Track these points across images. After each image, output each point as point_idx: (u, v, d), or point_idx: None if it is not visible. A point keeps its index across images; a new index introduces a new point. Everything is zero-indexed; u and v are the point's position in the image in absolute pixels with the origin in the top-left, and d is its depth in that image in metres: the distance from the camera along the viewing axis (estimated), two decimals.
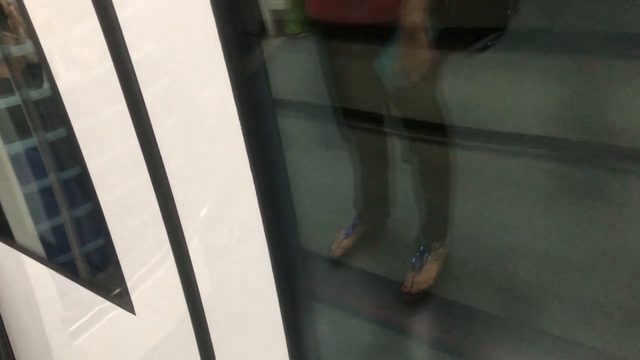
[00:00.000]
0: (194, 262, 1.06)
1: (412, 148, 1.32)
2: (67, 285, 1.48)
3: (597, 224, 1.11)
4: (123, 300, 1.28)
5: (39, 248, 1.63)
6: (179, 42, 0.84)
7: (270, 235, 0.89)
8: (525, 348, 1.10)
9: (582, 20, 0.93)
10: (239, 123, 0.81)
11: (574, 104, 1.08)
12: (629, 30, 0.89)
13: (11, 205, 1.71)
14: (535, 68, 1.06)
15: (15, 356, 1.93)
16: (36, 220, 1.70)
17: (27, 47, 1.38)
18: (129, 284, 1.25)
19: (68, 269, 1.51)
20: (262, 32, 1.07)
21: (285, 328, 0.96)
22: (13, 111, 1.62)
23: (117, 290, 1.31)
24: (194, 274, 1.07)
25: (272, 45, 1.10)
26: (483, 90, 1.14)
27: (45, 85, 1.25)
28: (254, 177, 0.85)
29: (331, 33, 1.27)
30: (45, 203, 1.68)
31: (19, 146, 1.64)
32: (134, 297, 1.26)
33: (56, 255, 1.60)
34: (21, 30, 1.34)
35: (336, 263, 1.42)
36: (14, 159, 1.66)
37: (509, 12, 1.02)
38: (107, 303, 1.37)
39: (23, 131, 1.61)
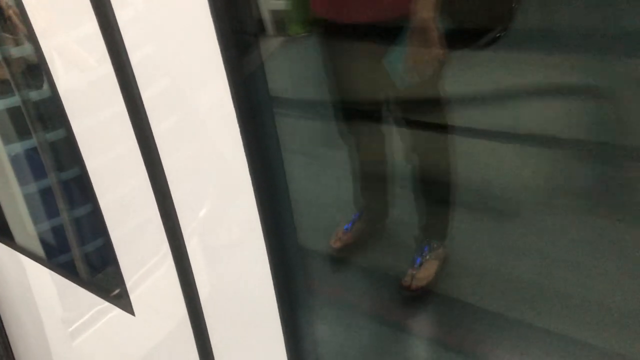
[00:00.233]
0: (192, 262, 1.06)
1: (415, 147, 1.32)
2: (66, 285, 1.48)
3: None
4: (122, 300, 1.29)
5: (38, 249, 1.64)
6: (178, 44, 0.84)
7: (269, 235, 0.90)
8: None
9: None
10: (237, 124, 0.82)
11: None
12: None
13: (11, 206, 1.71)
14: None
15: (15, 357, 1.93)
16: (36, 221, 1.70)
17: (27, 49, 1.39)
18: (128, 284, 1.25)
19: (67, 270, 1.51)
20: (261, 32, 1.07)
21: (283, 327, 0.96)
22: (13, 112, 1.62)
23: (117, 291, 1.31)
24: (192, 274, 1.07)
25: (271, 46, 1.11)
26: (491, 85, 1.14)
27: (45, 86, 1.25)
28: (252, 178, 0.85)
29: (338, 32, 1.27)
30: (45, 204, 1.68)
31: (18, 147, 1.64)
32: (133, 297, 1.27)
33: (55, 255, 1.60)
34: (21, 32, 1.34)
35: (334, 261, 1.43)
36: (14, 159, 1.67)
37: (513, 5, 1.03)
38: (106, 304, 1.37)
39: (23, 132, 1.61)
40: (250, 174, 0.85)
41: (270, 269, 0.92)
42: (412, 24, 1.10)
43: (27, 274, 1.63)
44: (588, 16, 0.93)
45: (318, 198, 1.34)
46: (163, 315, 1.24)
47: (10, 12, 1.27)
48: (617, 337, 1.02)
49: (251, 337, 1.07)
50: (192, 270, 1.07)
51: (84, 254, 1.54)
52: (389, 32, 1.15)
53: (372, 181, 1.46)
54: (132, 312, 1.29)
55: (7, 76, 1.55)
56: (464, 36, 1.07)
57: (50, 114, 1.47)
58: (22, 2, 1.01)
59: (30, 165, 1.66)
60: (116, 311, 1.34)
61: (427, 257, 1.36)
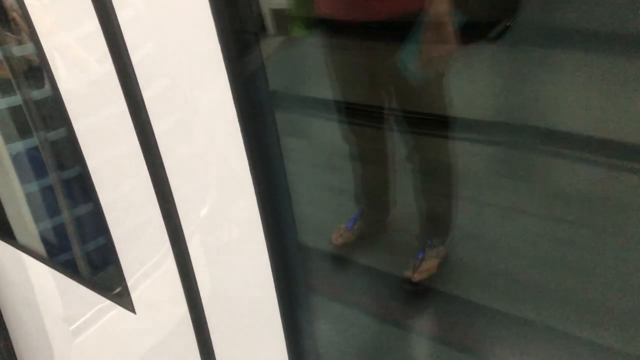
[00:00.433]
0: (193, 260, 1.07)
1: (417, 147, 1.32)
2: (67, 284, 1.48)
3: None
4: (123, 299, 1.29)
5: (39, 247, 1.64)
6: (178, 43, 0.85)
7: (269, 234, 0.90)
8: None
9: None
10: (237, 123, 0.82)
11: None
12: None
13: (12, 204, 1.72)
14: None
15: (17, 355, 1.94)
16: (37, 220, 1.71)
17: (29, 48, 1.39)
18: (130, 283, 1.25)
19: (69, 268, 1.51)
20: (261, 31, 1.07)
21: (283, 325, 0.97)
22: (14, 111, 1.63)
23: (118, 289, 1.32)
24: (193, 273, 1.08)
25: (272, 45, 1.11)
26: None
27: (47, 85, 1.26)
28: (252, 177, 0.86)
29: (345, 32, 1.27)
30: (46, 202, 1.69)
31: (20, 146, 1.65)
32: (134, 296, 1.27)
33: (57, 254, 1.61)
34: (24, 32, 1.35)
35: (335, 259, 1.43)
36: (15, 158, 1.67)
37: None
38: (108, 302, 1.37)
39: (24, 131, 1.62)
40: (251, 173, 0.86)
41: (271, 267, 0.92)
42: (427, 19, 1.10)
43: (28, 272, 1.63)
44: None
45: (319, 196, 1.35)
46: (164, 313, 1.24)
47: (14, 13, 1.28)
48: None
49: (252, 335, 1.08)
50: (193, 269, 1.08)
51: (86, 253, 1.55)
52: (401, 28, 1.15)
53: (374, 180, 1.47)
54: (133, 311, 1.29)
55: (10, 75, 1.55)
56: (475, 29, 1.07)
57: (51, 113, 1.48)
58: (23, 2, 1.01)
59: (32, 164, 1.67)
60: (117, 309, 1.35)
61: (429, 253, 1.37)
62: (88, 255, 1.54)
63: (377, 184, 1.47)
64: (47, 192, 1.65)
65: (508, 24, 0.99)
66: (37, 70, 1.42)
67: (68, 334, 1.63)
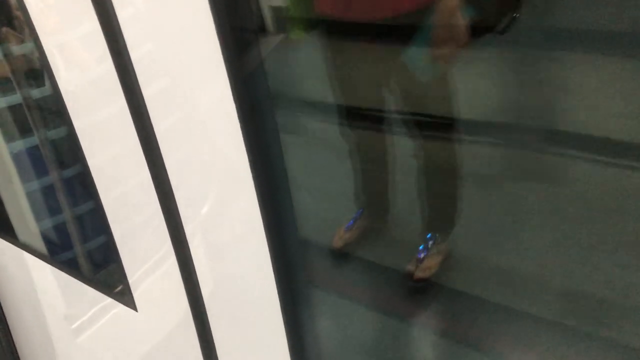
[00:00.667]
0: (194, 258, 1.07)
1: (423, 144, 1.32)
2: (69, 282, 1.49)
3: None
4: (125, 297, 1.29)
5: (41, 246, 1.64)
6: (178, 41, 0.85)
7: (270, 232, 0.90)
8: None
9: None
10: (238, 121, 0.82)
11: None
12: None
13: (13, 203, 1.72)
14: None
15: (19, 353, 1.95)
16: (38, 218, 1.71)
17: (31, 46, 1.39)
18: (131, 281, 1.26)
19: (70, 267, 1.52)
20: (261, 29, 1.07)
21: (285, 322, 0.97)
22: (15, 109, 1.63)
23: (120, 288, 1.32)
24: (195, 271, 1.08)
25: (272, 42, 1.11)
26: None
27: (47, 84, 1.26)
28: (253, 174, 0.86)
29: (347, 32, 1.26)
30: (47, 201, 1.69)
31: (20, 144, 1.65)
32: (136, 294, 1.27)
33: (58, 252, 1.61)
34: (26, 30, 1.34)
35: (336, 256, 1.43)
36: (16, 157, 1.67)
37: None
38: (110, 300, 1.38)
39: (25, 129, 1.62)
40: (251, 171, 0.86)
41: (272, 264, 0.93)
42: (438, 13, 1.10)
43: (30, 271, 1.64)
44: None
45: (320, 194, 1.35)
46: (166, 311, 1.24)
47: (19, 12, 1.28)
48: None
49: (254, 332, 1.08)
50: (194, 267, 1.08)
51: (87, 251, 1.55)
52: (407, 26, 1.14)
53: (373, 179, 1.47)
54: (135, 308, 1.30)
55: (10, 74, 1.55)
56: (483, 22, 1.07)
57: (51, 111, 1.48)
58: (23, 1, 1.01)
59: (33, 163, 1.67)
60: (119, 307, 1.35)
61: (431, 250, 1.37)
62: (90, 254, 1.55)
63: (377, 181, 1.47)
64: (48, 190, 1.65)
65: (514, 15, 1.00)
66: (39, 68, 1.42)
67: (70, 332, 1.63)
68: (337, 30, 1.30)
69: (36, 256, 1.56)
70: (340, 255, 1.44)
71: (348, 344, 1.25)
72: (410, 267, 1.35)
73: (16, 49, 1.49)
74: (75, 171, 1.46)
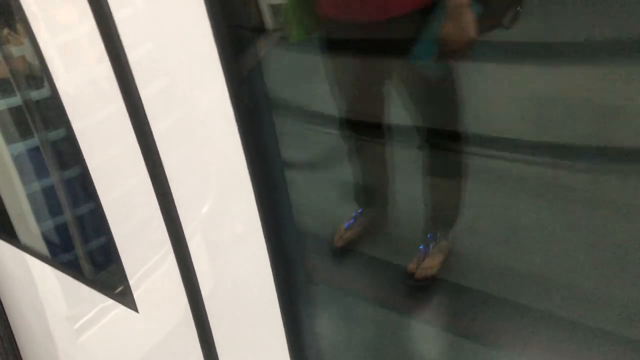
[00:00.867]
0: (194, 259, 1.07)
1: (428, 139, 1.31)
2: (70, 283, 1.49)
3: None
4: (126, 298, 1.30)
5: (42, 247, 1.65)
6: (175, 42, 0.85)
7: (268, 231, 0.90)
8: None
9: None
10: (235, 121, 0.82)
11: None
12: None
13: (14, 205, 1.72)
14: None
15: (21, 354, 1.95)
16: (39, 220, 1.71)
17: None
18: (131, 282, 1.26)
19: (71, 268, 1.52)
20: (259, 29, 1.07)
21: (284, 322, 0.97)
22: (15, 111, 1.63)
23: (120, 288, 1.32)
24: (194, 271, 1.08)
25: (270, 43, 1.11)
26: None
27: (46, 85, 1.26)
28: (250, 174, 0.86)
29: (350, 33, 1.26)
30: (48, 203, 1.69)
31: (21, 146, 1.65)
32: (136, 294, 1.27)
33: (59, 254, 1.61)
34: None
35: (336, 255, 1.43)
36: (17, 159, 1.68)
37: None
38: (111, 301, 1.38)
39: (25, 131, 1.62)
40: (249, 171, 0.86)
41: (271, 264, 0.93)
42: (447, 9, 1.10)
43: (32, 272, 1.64)
44: None
45: (319, 192, 1.34)
46: (166, 311, 1.24)
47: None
48: None
49: (253, 332, 1.08)
50: (193, 267, 1.08)
51: (87, 252, 1.55)
52: (413, 23, 1.14)
53: (373, 177, 1.46)
54: (135, 309, 1.30)
55: (10, 75, 1.56)
56: (490, 17, 1.07)
57: (51, 113, 1.48)
58: (20, 3, 1.01)
59: (33, 165, 1.67)
60: (120, 308, 1.35)
61: (433, 248, 1.37)
62: (90, 255, 1.55)
63: (377, 180, 1.47)
64: (49, 192, 1.65)
65: (518, 9, 0.99)
66: (38, 70, 1.42)
67: (72, 332, 1.63)
68: (338, 32, 1.29)
69: (37, 258, 1.57)
70: (341, 254, 1.44)
71: (348, 343, 1.25)
72: (411, 267, 1.34)
73: (16, 50, 1.49)
74: (75, 173, 1.46)
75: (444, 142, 1.30)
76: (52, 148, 1.54)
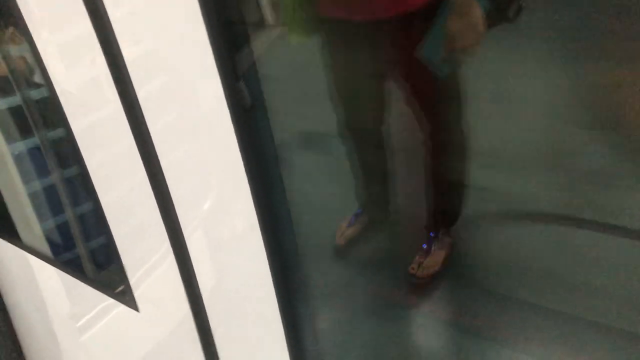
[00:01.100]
0: (193, 258, 1.07)
1: (432, 135, 1.31)
2: (72, 283, 1.49)
3: None
4: (127, 297, 1.30)
5: (44, 247, 1.65)
6: (170, 40, 0.84)
7: (266, 230, 0.90)
8: None
9: None
10: (230, 120, 0.82)
11: None
12: None
13: (16, 205, 1.73)
14: None
15: (24, 353, 1.96)
16: (41, 220, 1.72)
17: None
18: (132, 281, 1.26)
19: (72, 267, 1.52)
20: (260, 23, 1.06)
21: (283, 320, 0.97)
22: (16, 111, 1.63)
23: (121, 288, 1.32)
24: (193, 270, 1.08)
25: (267, 39, 1.10)
26: None
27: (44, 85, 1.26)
28: (247, 174, 0.86)
29: (353, 33, 1.25)
30: (49, 202, 1.69)
31: (21, 146, 1.66)
32: (137, 294, 1.28)
33: (60, 253, 1.61)
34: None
35: (338, 253, 1.43)
36: (17, 158, 1.68)
37: None
38: (111, 300, 1.38)
39: (26, 131, 1.62)
40: (246, 170, 0.85)
41: (269, 261, 0.93)
42: (455, 6, 1.09)
43: (33, 271, 1.65)
44: None
45: (317, 192, 1.34)
46: (167, 310, 1.25)
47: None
48: None
49: (253, 330, 1.08)
50: (193, 266, 1.08)
51: (88, 252, 1.55)
52: (421, 21, 1.13)
53: (374, 176, 1.46)
54: (136, 308, 1.30)
55: (10, 75, 1.56)
56: (495, 11, 1.06)
57: (50, 113, 1.48)
58: (16, 2, 1.01)
59: (34, 164, 1.68)
60: (121, 307, 1.36)
61: (436, 245, 1.37)
62: (91, 254, 1.55)
63: (378, 177, 1.47)
64: (50, 191, 1.65)
65: (521, 3, 0.99)
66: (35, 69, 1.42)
67: (74, 331, 1.64)
68: (340, 32, 1.29)
69: (39, 257, 1.57)
70: (343, 252, 1.44)
71: (347, 341, 1.25)
72: (414, 265, 1.34)
73: (18, 49, 1.49)
74: (74, 172, 1.46)
75: (449, 138, 1.30)
76: (52, 147, 1.54)
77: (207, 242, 1.04)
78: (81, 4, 0.87)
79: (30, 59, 1.45)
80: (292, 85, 1.27)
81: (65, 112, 1.09)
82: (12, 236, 1.67)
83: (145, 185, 1.02)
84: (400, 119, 1.33)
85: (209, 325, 1.13)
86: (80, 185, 1.47)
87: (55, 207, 1.65)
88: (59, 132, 1.49)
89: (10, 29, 1.44)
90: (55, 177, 1.60)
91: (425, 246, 1.37)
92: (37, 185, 1.70)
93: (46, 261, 1.56)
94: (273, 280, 0.94)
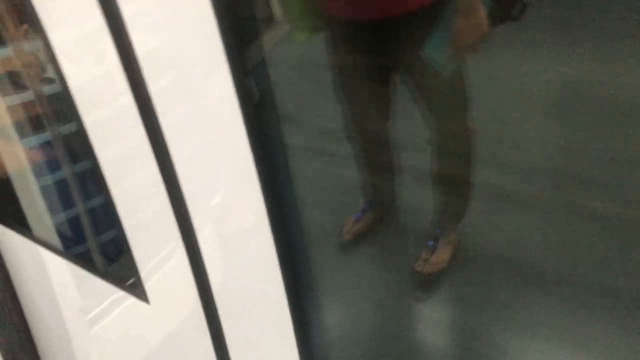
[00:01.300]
0: (203, 251, 1.08)
1: (437, 131, 1.31)
2: (83, 275, 1.51)
3: None
4: (137, 289, 1.31)
5: (55, 240, 1.67)
6: (182, 35, 0.85)
7: (275, 223, 0.91)
8: None
9: None
10: (240, 114, 0.83)
11: None
12: None
13: (27, 198, 1.75)
14: None
15: (36, 344, 1.98)
16: (52, 213, 1.73)
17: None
18: (143, 274, 1.27)
19: (83, 260, 1.54)
20: (269, 19, 1.07)
21: (291, 312, 0.98)
22: (28, 106, 1.65)
23: (131, 280, 1.34)
24: (204, 263, 1.09)
25: (276, 35, 1.11)
26: None
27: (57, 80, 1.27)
28: (256, 167, 0.87)
29: (357, 31, 1.25)
30: (60, 196, 1.71)
31: (33, 140, 1.67)
32: (147, 286, 1.29)
33: (71, 246, 1.63)
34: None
35: (344, 247, 1.43)
36: (29, 153, 1.70)
37: None
38: (122, 292, 1.40)
39: (37, 125, 1.64)
40: (255, 164, 0.86)
41: (277, 255, 0.94)
42: (458, 4, 1.10)
43: (45, 264, 1.66)
44: None
45: (325, 184, 1.35)
46: (177, 303, 1.26)
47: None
48: None
49: (262, 322, 1.09)
50: (203, 259, 1.09)
51: (99, 244, 1.57)
52: (424, 20, 1.14)
53: (380, 171, 1.47)
54: (146, 301, 1.32)
55: (24, 70, 1.57)
56: (500, 9, 1.06)
57: (62, 107, 1.50)
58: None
59: (46, 158, 1.69)
60: (132, 300, 1.37)
61: (442, 241, 1.37)
62: (102, 247, 1.57)
63: (383, 173, 1.47)
64: (61, 185, 1.67)
65: (525, 1, 0.99)
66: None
67: (85, 323, 1.66)
68: (344, 31, 1.29)
69: (50, 250, 1.59)
70: (349, 246, 1.45)
71: (353, 333, 1.26)
72: (420, 262, 1.35)
73: (30, 46, 1.51)
74: (86, 166, 1.48)
75: (453, 135, 1.30)
76: (64, 141, 1.55)
77: (217, 235, 1.05)
78: (94, 0, 0.89)
79: (42, 55, 1.47)
80: (301, 81, 1.28)
81: (78, 106, 1.11)
82: (24, 229, 1.69)
83: (157, 179, 1.04)
84: (406, 115, 1.34)
85: (218, 317, 1.14)
86: (92, 178, 1.49)
87: (67, 200, 1.67)
88: (71, 127, 1.51)
89: (24, 27, 1.46)
90: (66, 170, 1.62)
91: (430, 243, 1.37)
92: (49, 178, 1.71)
93: (57, 254, 1.57)
94: (282, 274, 0.95)
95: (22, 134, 1.68)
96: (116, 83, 0.98)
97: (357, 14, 1.25)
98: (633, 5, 0.87)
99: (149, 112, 0.95)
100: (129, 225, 1.22)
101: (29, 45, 1.51)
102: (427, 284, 1.34)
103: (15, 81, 1.61)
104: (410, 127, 1.33)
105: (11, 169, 1.78)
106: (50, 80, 1.49)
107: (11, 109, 1.67)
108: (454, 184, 1.36)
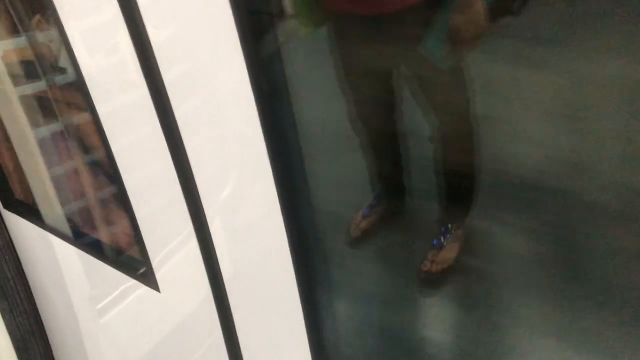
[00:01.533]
0: (215, 240, 1.09)
1: (442, 127, 1.31)
2: (94, 264, 1.52)
3: None
4: (148, 278, 1.32)
5: (66, 228, 1.68)
6: (197, 25, 0.86)
7: (287, 214, 0.91)
8: None
9: None
10: (255, 105, 0.83)
11: None
12: None
13: (39, 187, 1.76)
14: None
15: (47, 333, 2.00)
16: (63, 202, 1.75)
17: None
18: (154, 263, 1.28)
19: (95, 249, 1.55)
20: (279, 13, 1.07)
21: (302, 302, 0.99)
22: (40, 96, 1.66)
23: (143, 269, 1.35)
24: (215, 252, 1.10)
25: (290, 27, 1.11)
26: None
27: (70, 70, 1.28)
28: (270, 158, 0.87)
29: (361, 27, 1.25)
30: (72, 185, 1.72)
31: (45, 130, 1.69)
32: (158, 275, 1.30)
33: (83, 235, 1.64)
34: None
35: (353, 243, 1.44)
36: (41, 142, 1.71)
37: None
38: (133, 281, 1.41)
39: (49, 115, 1.65)
40: (269, 155, 0.87)
41: (289, 245, 0.94)
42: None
43: (56, 253, 1.68)
44: None
45: (336, 175, 1.35)
46: (188, 292, 1.27)
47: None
48: None
49: (272, 312, 1.10)
50: (215, 249, 1.10)
51: (111, 234, 1.58)
52: (425, 14, 1.13)
53: (387, 165, 1.46)
54: (157, 289, 1.33)
55: (36, 60, 1.58)
56: (499, 4, 1.06)
57: (75, 97, 1.50)
58: None
59: (57, 148, 1.70)
60: (143, 288, 1.38)
61: (448, 239, 1.37)
62: (114, 236, 1.58)
63: (391, 167, 1.47)
64: (73, 174, 1.68)
65: None
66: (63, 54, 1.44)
67: (95, 312, 1.67)
68: (348, 25, 1.29)
69: (62, 238, 1.60)
70: (358, 243, 1.45)
71: (364, 326, 1.26)
72: (426, 262, 1.34)
73: (43, 36, 1.52)
74: (99, 155, 1.49)
75: (454, 131, 1.30)
76: (77, 131, 1.56)
77: (229, 225, 1.06)
78: None
79: (54, 45, 1.48)
80: (313, 73, 1.28)
81: (92, 95, 1.12)
82: (35, 217, 1.71)
83: (169, 168, 1.04)
84: (411, 110, 1.34)
85: (229, 307, 1.15)
86: (104, 168, 1.50)
87: (79, 189, 1.68)
88: (83, 117, 1.52)
89: (37, 17, 1.46)
90: (78, 160, 1.63)
91: (436, 241, 1.37)
92: (60, 168, 1.73)
93: (69, 242, 1.59)
94: (293, 264, 0.96)
95: (34, 123, 1.70)
96: (131, 73, 0.98)
97: (354, 9, 1.25)
98: None
99: (163, 102, 0.96)
100: (141, 214, 1.23)
101: (42, 36, 1.52)
102: (434, 283, 1.34)
103: (29, 71, 1.62)
104: (418, 120, 1.33)
105: (23, 158, 1.79)
106: (62, 70, 1.50)
107: (24, 99, 1.69)
108: (457, 181, 1.36)
